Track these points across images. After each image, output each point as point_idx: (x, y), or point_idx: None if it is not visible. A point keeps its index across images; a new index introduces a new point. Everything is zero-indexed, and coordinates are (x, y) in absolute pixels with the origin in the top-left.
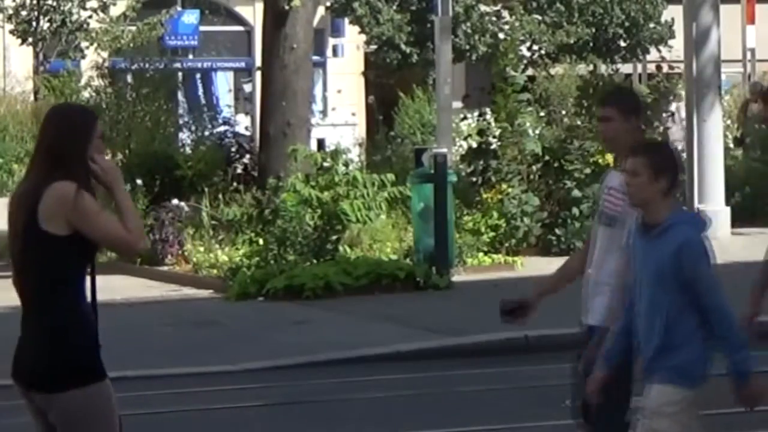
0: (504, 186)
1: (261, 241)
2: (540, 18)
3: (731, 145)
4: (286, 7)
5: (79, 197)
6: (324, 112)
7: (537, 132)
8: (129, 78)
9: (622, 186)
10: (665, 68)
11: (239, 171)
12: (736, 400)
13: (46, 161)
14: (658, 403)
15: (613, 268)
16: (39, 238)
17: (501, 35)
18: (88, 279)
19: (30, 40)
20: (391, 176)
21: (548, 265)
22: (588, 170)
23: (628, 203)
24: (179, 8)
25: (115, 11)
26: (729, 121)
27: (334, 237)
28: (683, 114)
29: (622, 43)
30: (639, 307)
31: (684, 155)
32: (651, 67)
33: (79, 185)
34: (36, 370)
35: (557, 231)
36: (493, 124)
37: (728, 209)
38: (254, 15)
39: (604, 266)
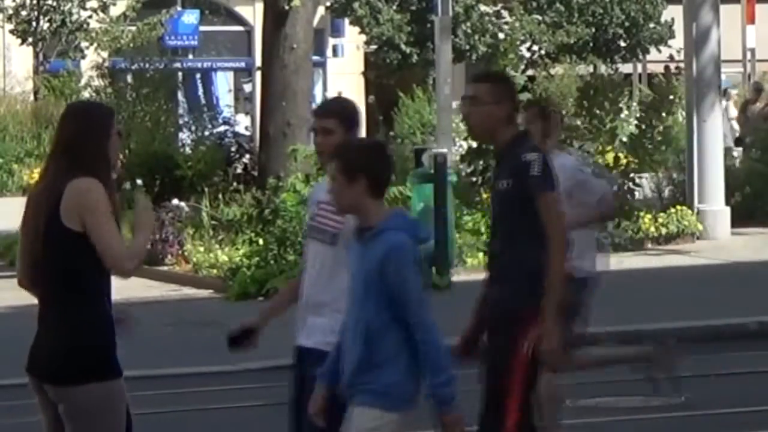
0: None
1: (261, 241)
2: (540, 18)
3: (731, 145)
4: (286, 7)
5: (93, 195)
6: None
7: None
8: (129, 78)
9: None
10: (673, 68)
11: (239, 171)
12: (438, 428)
13: (65, 158)
14: (359, 428)
15: (342, 288)
16: (61, 234)
17: (501, 35)
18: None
19: (30, 40)
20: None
21: None
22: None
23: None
24: (179, 8)
25: (115, 11)
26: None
27: None
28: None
29: (622, 43)
30: (347, 319)
31: (685, 155)
32: (651, 67)
33: (100, 182)
34: (52, 363)
35: None
36: None
37: (728, 209)
38: (254, 15)
39: (328, 286)
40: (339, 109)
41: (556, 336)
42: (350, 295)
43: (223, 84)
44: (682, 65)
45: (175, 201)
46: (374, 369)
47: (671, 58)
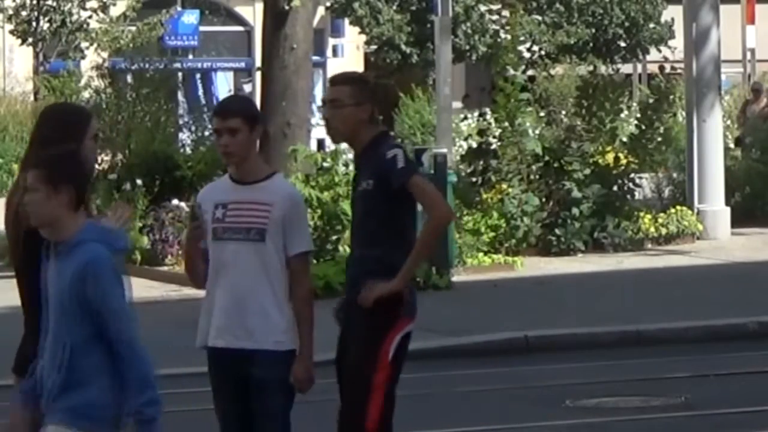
0: (504, 186)
1: None
2: (540, 18)
3: (731, 145)
4: (286, 7)
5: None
6: None
7: (537, 132)
8: (129, 78)
9: (269, 197)
10: (668, 69)
11: None
12: None
13: None
14: None
15: (280, 281)
16: (39, 245)
17: (502, 33)
18: None
19: (30, 40)
20: None
21: (548, 265)
22: (588, 170)
23: (275, 214)
24: (179, 8)
25: (115, 11)
26: (729, 121)
27: (334, 237)
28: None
29: (622, 44)
30: (46, 338)
31: (685, 155)
32: (651, 68)
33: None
34: None
35: (557, 231)
36: (493, 124)
37: (728, 209)
38: (254, 15)
39: (263, 285)
40: (242, 108)
41: (394, 290)
42: (47, 313)
43: (223, 84)
44: (677, 65)
45: (175, 201)
46: (76, 388)
47: (665, 58)
